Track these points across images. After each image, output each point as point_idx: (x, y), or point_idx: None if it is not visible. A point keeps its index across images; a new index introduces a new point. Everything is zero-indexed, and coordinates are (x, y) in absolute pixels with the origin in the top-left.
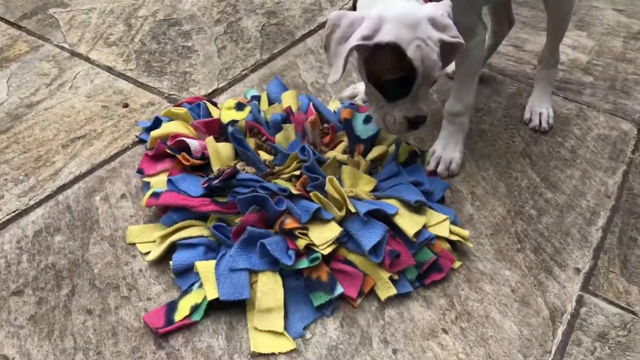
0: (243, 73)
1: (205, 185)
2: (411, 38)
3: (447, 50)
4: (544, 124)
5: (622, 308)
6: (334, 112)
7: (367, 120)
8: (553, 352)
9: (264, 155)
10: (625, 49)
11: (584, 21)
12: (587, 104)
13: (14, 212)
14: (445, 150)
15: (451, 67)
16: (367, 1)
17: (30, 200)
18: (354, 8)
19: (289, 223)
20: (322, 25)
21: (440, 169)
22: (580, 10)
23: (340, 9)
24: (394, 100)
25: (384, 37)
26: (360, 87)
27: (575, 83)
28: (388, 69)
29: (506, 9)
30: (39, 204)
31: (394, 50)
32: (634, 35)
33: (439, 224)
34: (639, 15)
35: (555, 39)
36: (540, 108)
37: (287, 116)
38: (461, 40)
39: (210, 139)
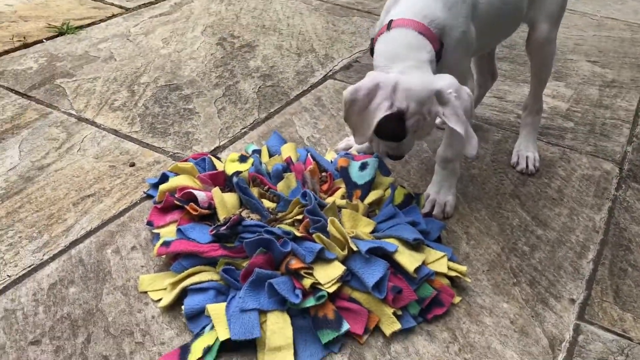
0: (243, 131)
1: (213, 232)
2: (415, 112)
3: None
4: (531, 167)
5: (618, 335)
6: (331, 161)
7: (363, 167)
8: None
9: (267, 203)
10: (601, 96)
11: (561, 72)
12: (570, 147)
13: (29, 267)
14: (440, 193)
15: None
16: (386, 57)
17: (44, 255)
18: (371, 51)
19: (295, 264)
20: (314, 86)
21: (435, 211)
22: (557, 63)
23: (329, 71)
24: (384, 139)
25: (398, 104)
26: (353, 139)
27: (557, 129)
28: (386, 127)
29: (490, 63)
30: (52, 258)
31: (398, 115)
32: (608, 83)
33: (437, 260)
34: (611, 65)
35: (539, 87)
36: (526, 152)
37: (288, 166)
38: (458, 127)
39: (216, 190)
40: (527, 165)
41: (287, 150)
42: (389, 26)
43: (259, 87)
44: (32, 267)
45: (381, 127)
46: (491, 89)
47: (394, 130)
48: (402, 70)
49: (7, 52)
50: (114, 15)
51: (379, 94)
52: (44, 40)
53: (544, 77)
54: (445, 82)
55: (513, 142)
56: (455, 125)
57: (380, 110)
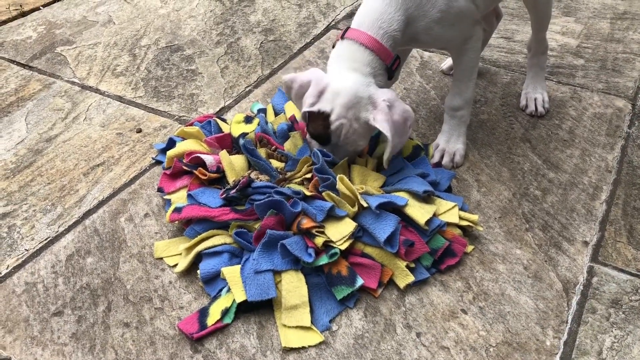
0: (247, 89)
1: (224, 196)
2: (340, 116)
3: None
4: (540, 109)
5: (632, 274)
6: None
7: None
8: (569, 321)
9: (275, 163)
10: (612, 30)
11: (570, 7)
12: (581, 86)
13: (45, 239)
14: (449, 143)
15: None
16: (338, 56)
17: (59, 227)
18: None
19: (306, 223)
20: (317, 37)
21: (445, 160)
22: None
23: (331, 21)
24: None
25: (321, 105)
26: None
27: (567, 67)
28: (313, 126)
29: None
30: (68, 230)
31: (323, 116)
32: (620, 15)
33: (449, 211)
34: None
35: (540, 30)
36: (535, 94)
37: (292, 124)
38: (385, 129)
39: (223, 153)
40: (536, 108)
41: (291, 108)
42: (344, 33)
43: (261, 43)
44: (48, 239)
45: (309, 125)
46: (498, 29)
47: (317, 131)
48: (339, 75)
49: (4, 22)
50: None
51: (309, 90)
52: (41, 8)
53: (544, 22)
54: (383, 92)
55: (522, 84)
56: (383, 127)
57: (304, 106)
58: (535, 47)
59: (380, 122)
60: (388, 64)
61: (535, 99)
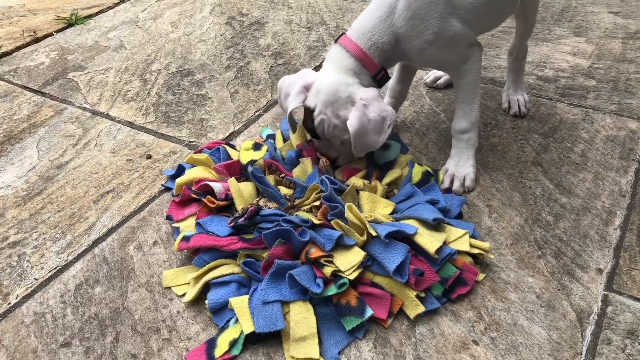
0: (256, 114)
1: (232, 224)
2: (320, 112)
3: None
4: (523, 109)
5: None
6: None
7: (385, 146)
8: (584, 353)
9: (283, 190)
10: (624, 50)
11: (581, 27)
12: (593, 107)
13: (55, 268)
14: (458, 167)
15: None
16: (328, 58)
17: (69, 255)
18: None
19: (314, 252)
20: None
21: (455, 186)
22: (577, 17)
23: None
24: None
25: (307, 101)
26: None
27: (578, 88)
28: (305, 121)
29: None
30: (77, 258)
31: (310, 111)
32: (632, 35)
33: (459, 239)
34: (635, 15)
35: (525, 38)
36: (516, 95)
37: (300, 152)
38: (351, 125)
39: (232, 180)
40: (519, 108)
41: (298, 135)
42: (337, 38)
43: (271, 66)
44: (57, 268)
45: (304, 120)
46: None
47: (306, 125)
48: (326, 74)
49: (19, 48)
50: (121, 1)
51: (296, 87)
52: (54, 33)
53: (530, 31)
54: (363, 91)
55: (533, 106)
56: (350, 122)
57: (293, 100)
58: (518, 52)
59: (351, 117)
60: (372, 74)
61: (517, 100)
